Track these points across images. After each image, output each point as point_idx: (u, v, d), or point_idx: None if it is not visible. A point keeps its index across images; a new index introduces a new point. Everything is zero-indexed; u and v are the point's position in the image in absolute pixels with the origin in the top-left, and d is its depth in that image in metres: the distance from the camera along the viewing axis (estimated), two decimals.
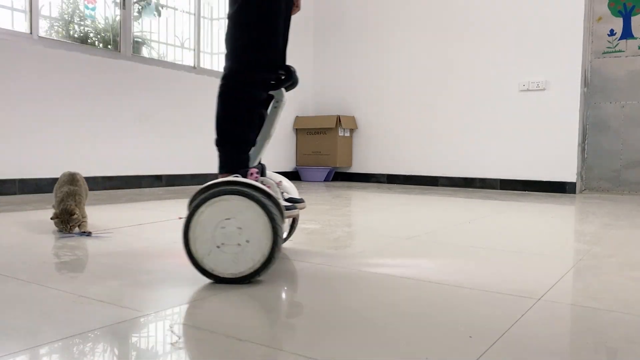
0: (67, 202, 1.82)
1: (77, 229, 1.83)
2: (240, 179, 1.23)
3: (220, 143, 1.41)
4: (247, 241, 1.16)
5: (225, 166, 1.39)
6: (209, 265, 1.17)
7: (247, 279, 1.18)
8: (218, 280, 1.18)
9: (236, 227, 1.16)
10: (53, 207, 2.08)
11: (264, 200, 1.17)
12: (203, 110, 4.50)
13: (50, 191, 3.37)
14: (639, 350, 0.83)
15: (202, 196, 1.18)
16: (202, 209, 1.17)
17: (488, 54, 4.58)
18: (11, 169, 3.23)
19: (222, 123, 1.41)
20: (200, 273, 1.19)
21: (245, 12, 1.37)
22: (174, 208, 2.68)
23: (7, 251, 1.52)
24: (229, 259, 1.17)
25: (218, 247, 1.17)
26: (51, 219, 1.83)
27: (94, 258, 1.45)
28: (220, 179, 1.24)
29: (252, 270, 1.17)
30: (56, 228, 1.86)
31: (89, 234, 1.80)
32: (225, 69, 1.41)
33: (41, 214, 2.35)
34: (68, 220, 1.79)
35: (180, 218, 1.91)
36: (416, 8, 4.95)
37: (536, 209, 2.96)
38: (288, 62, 1.54)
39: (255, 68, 1.40)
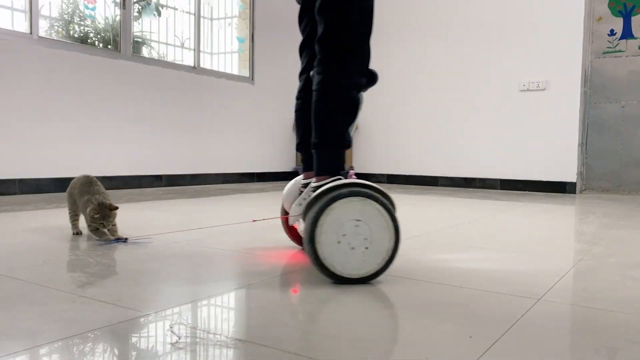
0: (99, 197, 1.69)
1: (107, 233, 1.68)
2: (360, 180, 1.26)
3: (321, 146, 1.39)
4: (373, 241, 1.20)
5: (327, 169, 1.37)
6: (335, 267, 1.18)
7: (371, 278, 1.21)
8: (343, 281, 1.19)
9: (362, 228, 1.19)
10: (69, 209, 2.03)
11: (385, 201, 1.22)
12: (203, 110, 4.50)
13: (50, 191, 3.38)
14: (639, 350, 0.83)
15: (326, 199, 1.19)
16: (327, 212, 1.18)
17: (488, 54, 4.58)
18: (11, 169, 3.23)
19: (325, 126, 1.39)
20: (325, 275, 1.20)
21: (345, 15, 1.36)
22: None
23: (7, 251, 1.52)
24: (355, 259, 1.19)
25: (344, 249, 1.18)
26: (94, 215, 1.65)
27: (94, 258, 1.45)
28: (342, 181, 1.25)
29: (377, 269, 1.21)
30: (75, 229, 1.80)
31: (125, 240, 1.68)
32: (322, 72, 1.38)
33: (41, 214, 2.34)
34: (108, 215, 1.66)
35: (255, 221, 1.84)
36: (416, 9, 4.95)
37: (536, 209, 2.96)
38: None
39: (353, 71, 1.39)
